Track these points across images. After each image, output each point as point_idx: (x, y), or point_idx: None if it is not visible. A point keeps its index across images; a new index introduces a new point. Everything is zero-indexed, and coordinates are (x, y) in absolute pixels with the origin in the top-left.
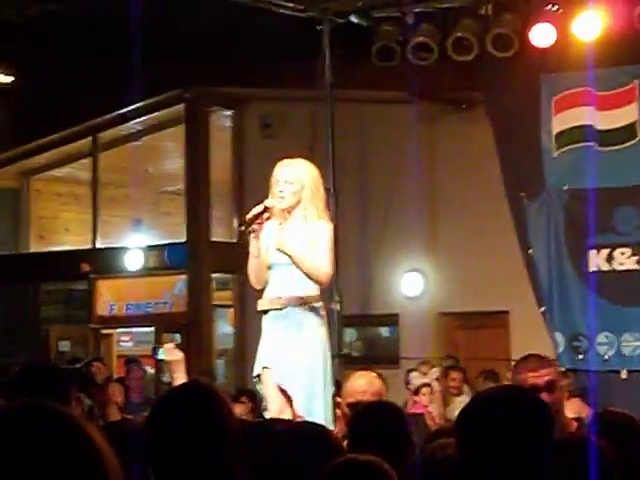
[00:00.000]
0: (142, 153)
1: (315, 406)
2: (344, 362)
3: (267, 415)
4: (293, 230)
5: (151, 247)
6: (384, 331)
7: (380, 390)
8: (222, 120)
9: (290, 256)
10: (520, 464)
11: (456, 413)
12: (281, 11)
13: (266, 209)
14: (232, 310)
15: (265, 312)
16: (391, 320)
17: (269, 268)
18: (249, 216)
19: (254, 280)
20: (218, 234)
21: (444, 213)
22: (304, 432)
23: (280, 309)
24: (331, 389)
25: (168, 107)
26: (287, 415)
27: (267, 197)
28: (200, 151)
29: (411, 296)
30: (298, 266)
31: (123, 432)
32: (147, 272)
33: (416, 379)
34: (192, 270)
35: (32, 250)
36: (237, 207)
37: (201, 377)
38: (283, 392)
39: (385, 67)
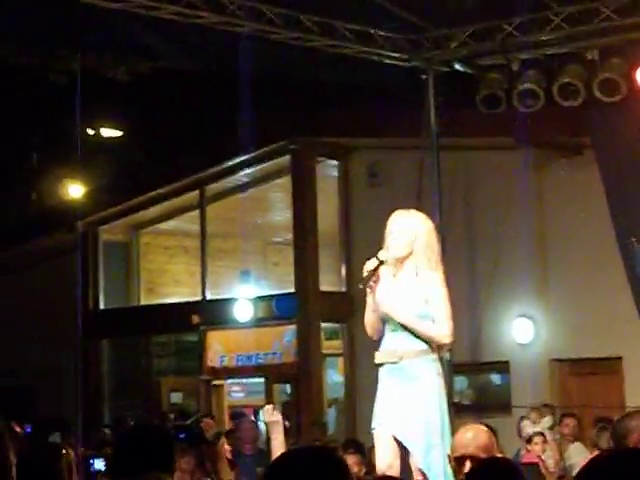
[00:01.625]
0: (250, 204)
1: (433, 459)
2: (455, 411)
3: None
4: (405, 283)
5: (260, 298)
6: (495, 378)
7: (486, 443)
8: (329, 170)
9: (403, 325)
10: None
11: (572, 460)
12: (386, 61)
13: (381, 262)
14: (342, 359)
15: (381, 365)
16: (502, 367)
17: (384, 321)
18: (365, 273)
19: (370, 332)
20: (326, 283)
21: (554, 259)
22: None
23: (395, 362)
24: (450, 440)
25: (275, 158)
26: (395, 470)
27: (375, 246)
28: (307, 201)
29: (522, 343)
30: (414, 333)
31: None
32: (256, 323)
33: (528, 427)
34: (301, 320)
35: (142, 303)
36: (345, 256)
37: (313, 428)
38: (399, 444)
39: (491, 114)
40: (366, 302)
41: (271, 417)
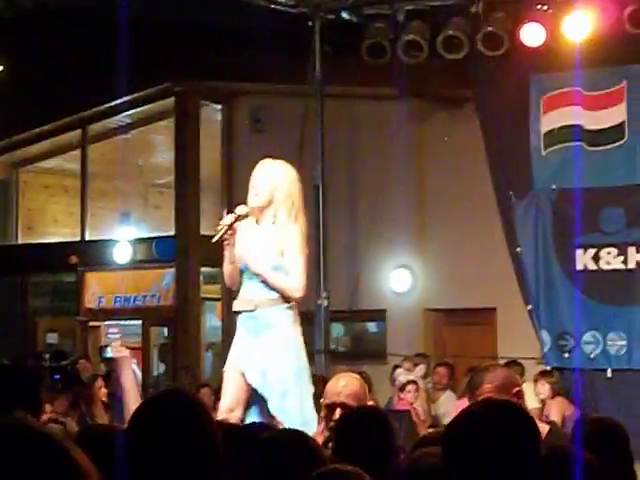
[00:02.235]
0: (132, 146)
1: (288, 404)
2: (331, 358)
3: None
4: (262, 234)
5: (140, 240)
6: (371, 327)
7: (356, 391)
8: (212, 114)
9: (257, 275)
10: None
11: (443, 409)
12: (272, 6)
13: (238, 217)
14: (220, 303)
15: (239, 313)
16: (378, 316)
17: (242, 271)
18: (220, 228)
19: (229, 282)
20: (207, 228)
21: (433, 210)
22: (287, 440)
23: (251, 310)
24: (309, 387)
25: (158, 100)
26: (236, 414)
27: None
28: (190, 145)
29: (399, 292)
30: (267, 284)
31: (105, 439)
32: (136, 265)
33: (402, 376)
34: (180, 263)
35: (20, 241)
36: (226, 201)
37: (181, 372)
38: (254, 391)
39: (375, 64)
40: (227, 254)
41: (119, 352)
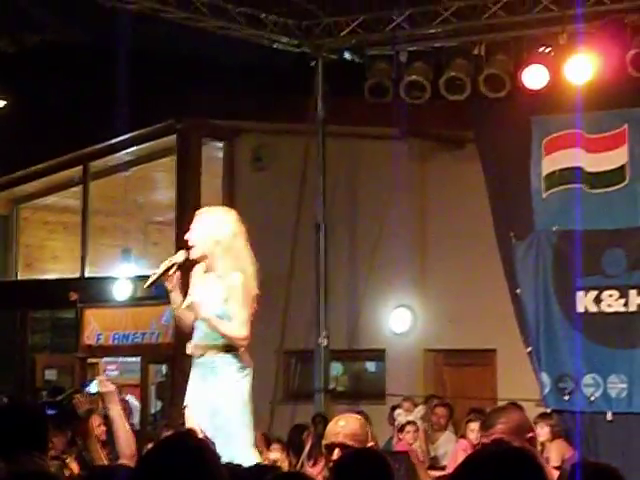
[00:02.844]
0: (133, 183)
1: (235, 448)
2: (330, 397)
3: None
4: (209, 281)
5: (139, 277)
6: (371, 366)
7: (356, 431)
8: (214, 152)
9: (204, 320)
10: None
11: (441, 449)
12: (276, 46)
13: (175, 265)
14: None
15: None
16: (378, 355)
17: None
18: (155, 276)
19: (179, 325)
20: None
21: (433, 251)
22: None
23: (200, 356)
24: (251, 434)
25: (160, 138)
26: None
27: (257, 228)
28: (191, 182)
29: (399, 332)
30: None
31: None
32: (135, 302)
33: (401, 416)
34: None
35: (20, 277)
36: None
37: (175, 410)
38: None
39: (377, 104)
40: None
41: (106, 387)
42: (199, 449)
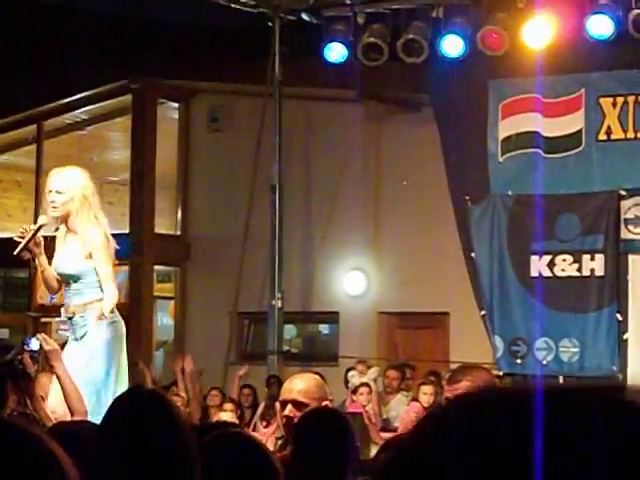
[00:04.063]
0: (87, 142)
1: (102, 402)
2: (283, 359)
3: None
4: (70, 241)
5: None
6: (324, 329)
7: (309, 389)
8: (169, 112)
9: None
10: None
11: (393, 412)
12: (233, 6)
13: (40, 228)
14: (172, 302)
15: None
16: (331, 318)
17: (61, 280)
18: (23, 241)
19: (46, 289)
20: (161, 226)
21: (388, 213)
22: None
23: (70, 318)
24: (120, 387)
25: (115, 97)
26: (60, 414)
27: (212, 190)
28: (146, 142)
29: (352, 295)
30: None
31: (74, 437)
32: None
33: (354, 378)
34: (134, 261)
35: None
36: (182, 200)
37: (131, 369)
38: None
39: (334, 66)
40: (37, 264)
41: (48, 345)
42: (162, 399)
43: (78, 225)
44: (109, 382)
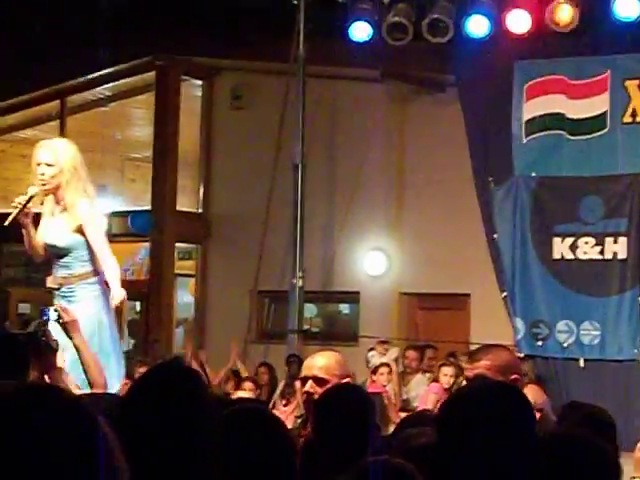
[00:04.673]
0: (110, 119)
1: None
2: (303, 338)
3: None
4: (59, 214)
5: (115, 213)
6: (345, 308)
7: (330, 365)
8: (193, 89)
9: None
10: (496, 456)
11: (413, 392)
12: None
13: (31, 198)
14: (193, 280)
15: (51, 290)
16: (352, 298)
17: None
18: (15, 212)
19: (32, 254)
20: (183, 203)
21: (411, 194)
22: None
23: (58, 288)
24: (116, 356)
25: (139, 74)
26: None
27: (234, 168)
28: (169, 119)
29: (373, 275)
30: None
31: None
32: (110, 238)
33: (375, 358)
34: (155, 238)
35: None
36: (204, 177)
37: (151, 346)
38: None
39: (358, 45)
40: (25, 233)
41: (67, 316)
42: (192, 373)
43: (67, 198)
44: (100, 349)
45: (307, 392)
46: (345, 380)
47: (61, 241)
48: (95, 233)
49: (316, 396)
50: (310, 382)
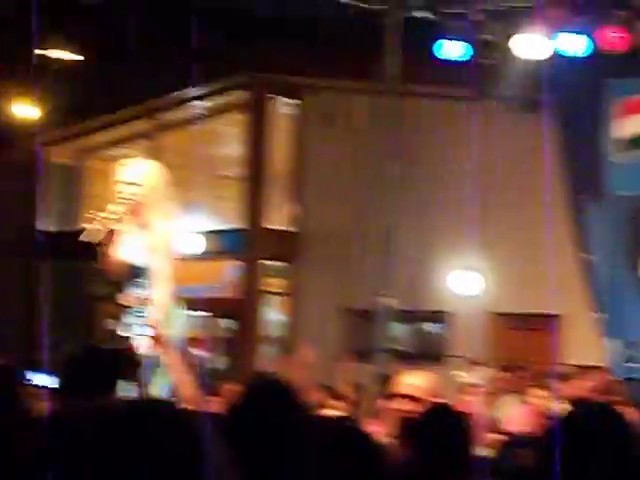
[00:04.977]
0: (201, 137)
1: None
2: (392, 357)
3: None
4: (137, 233)
5: (207, 232)
6: (433, 328)
7: (421, 385)
8: (285, 108)
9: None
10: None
11: (501, 413)
12: (350, 2)
13: (111, 215)
14: (284, 297)
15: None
16: (441, 317)
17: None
18: (93, 226)
19: (109, 273)
20: (274, 221)
21: (501, 212)
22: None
23: (126, 307)
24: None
25: (231, 93)
26: None
27: (325, 186)
28: (261, 138)
29: (463, 294)
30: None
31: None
32: (202, 256)
33: (464, 378)
34: (246, 256)
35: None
36: (294, 195)
37: (244, 363)
38: None
39: (450, 63)
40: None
41: (160, 332)
42: (289, 391)
43: (146, 217)
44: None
45: (397, 409)
46: (438, 400)
47: (137, 260)
48: (160, 257)
49: (407, 414)
50: (401, 399)
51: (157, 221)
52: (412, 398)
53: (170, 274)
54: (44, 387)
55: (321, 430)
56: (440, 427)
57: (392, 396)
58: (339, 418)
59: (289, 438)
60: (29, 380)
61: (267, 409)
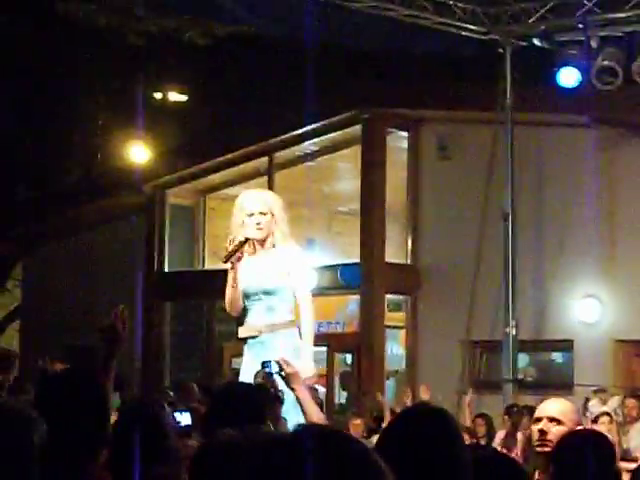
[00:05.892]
0: (317, 173)
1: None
2: (518, 388)
3: None
4: (265, 258)
5: (324, 267)
6: (558, 357)
7: (566, 409)
8: (398, 141)
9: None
10: None
11: (632, 442)
12: (463, 33)
13: (247, 240)
14: (404, 331)
15: (245, 340)
16: (566, 346)
17: (246, 297)
18: (230, 249)
19: (229, 308)
20: (392, 255)
21: (623, 239)
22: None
23: (255, 336)
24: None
25: (345, 128)
26: None
27: (442, 218)
28: (375, 172)
29: (587, 322)
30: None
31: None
32: (320, 292)
33: (595, 407)
34: (365, 290)
35: (207, 267)
36: (411, 228)
37: (364, 398)
38: None
39: (566, 91)
40: (231, 278)
41: (289, 368)
42: (445, 415)
43: (277, 243)
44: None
45: (541, 430)
46: (579, 427)
47: (268, 282)
48: (301, 281)
49: (549, 435)
50: (545, 421)
51: (289, 246)
52: (555, 420)
53: (311, 299)
54: (187, 426)
55: (477, 459)
56: (583, 452)
57: (536, 420)
58: (492, 449)
59: (451, 467)
60: (177, 421)
61: (434, 439)
